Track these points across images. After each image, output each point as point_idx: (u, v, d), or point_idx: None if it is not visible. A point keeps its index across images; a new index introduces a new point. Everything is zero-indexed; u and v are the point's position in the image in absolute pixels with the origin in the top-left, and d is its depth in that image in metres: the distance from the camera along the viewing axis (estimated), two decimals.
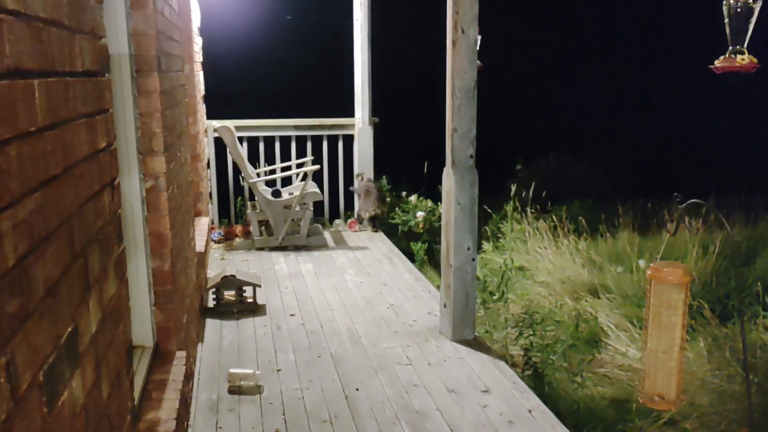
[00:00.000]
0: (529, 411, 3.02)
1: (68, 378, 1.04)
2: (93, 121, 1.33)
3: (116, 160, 1.55)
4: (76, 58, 1.21)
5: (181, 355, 2.72)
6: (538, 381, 3.70)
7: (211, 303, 4.33)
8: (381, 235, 6.21)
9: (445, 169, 3.73)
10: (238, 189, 6.40)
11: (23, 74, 0.91)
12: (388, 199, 6.49)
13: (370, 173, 6.41)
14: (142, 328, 2.64)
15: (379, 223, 6.32)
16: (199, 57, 5.68)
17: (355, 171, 6.46)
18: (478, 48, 3.59)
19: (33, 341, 0.89)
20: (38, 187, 0.96)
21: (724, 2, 2.49)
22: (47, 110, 1.02)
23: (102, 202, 1.37)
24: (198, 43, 5.68)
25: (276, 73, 10.24)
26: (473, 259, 3.74)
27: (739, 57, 2.41)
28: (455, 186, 3.64)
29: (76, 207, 1.16)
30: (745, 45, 2.42)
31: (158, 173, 2.66)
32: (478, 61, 3.62)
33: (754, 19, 2.46)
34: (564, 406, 3.52)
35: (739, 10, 2.44)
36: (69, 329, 1.07)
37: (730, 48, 2.43)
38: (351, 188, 6.46)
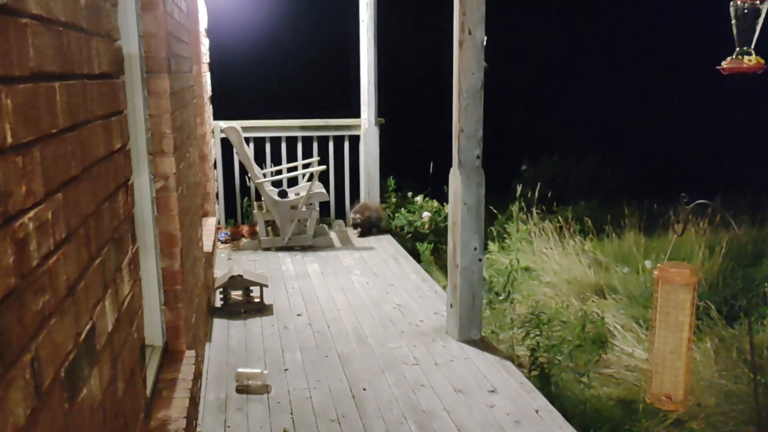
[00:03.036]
0: (536, 411, 3.03)
1: (87, 375, 1.06)
2: (109, 123, 1.35)
3: (130, 160, 1.57)
4: (93, 61, 1.23)
5: (190, 354, 2.75)
6: (544, 381, 3.71)
7: (218, 303, 4.36)
8: (387, 236, 6.22)
9: (451, 169, 3.74)
10: (245, 189, 6.42)
11: (45, 77, 0.93)
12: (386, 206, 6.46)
13: (376, 174, 6.42)
14: (152, 327, 2.66)
15: (375, 231, 6.23)
16: (206, 58, 5.71)
17: (361, 171, 6.46)
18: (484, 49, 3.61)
19: (55, 338, 0.91)
20: (59, 187, 0.98)
21: (731, 3, 2.49)
22: (67, 112, 1.04)
23: (117, 202, 1.39)
24: (205, 44, 5.71)
25: (282, 74, 10.27)
26: (480, 260, 3.75)
27: (746, 58, 2.42)
28: (462, 186, 3.65)
29: (93, 207, 1.17)
30: (753, 46, 2.42)
31: (168, 174, 2.69)
32: (485, 63, 3.63)
33: (761, 20, 2.46)
34: (571, 407, 3.52)
35: (746, 11, 2.45)
36: (87, 327, 1.09)
37: (738, 49, 2.43)
38: (352, 217, 6.28)
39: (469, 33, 3.53)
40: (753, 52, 2.42)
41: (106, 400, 1.19)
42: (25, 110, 0.85)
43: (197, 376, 2.89)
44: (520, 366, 3.82)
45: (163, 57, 2.63)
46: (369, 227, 6.15)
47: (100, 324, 1.17)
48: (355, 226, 6.21)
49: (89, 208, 1.15)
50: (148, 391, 2.33)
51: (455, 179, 3.71)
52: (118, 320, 1.31)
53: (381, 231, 6.20)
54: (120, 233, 1.40)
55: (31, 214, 0.84)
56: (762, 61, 2.42)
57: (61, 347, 0.93)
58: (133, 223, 1.56)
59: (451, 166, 3.75)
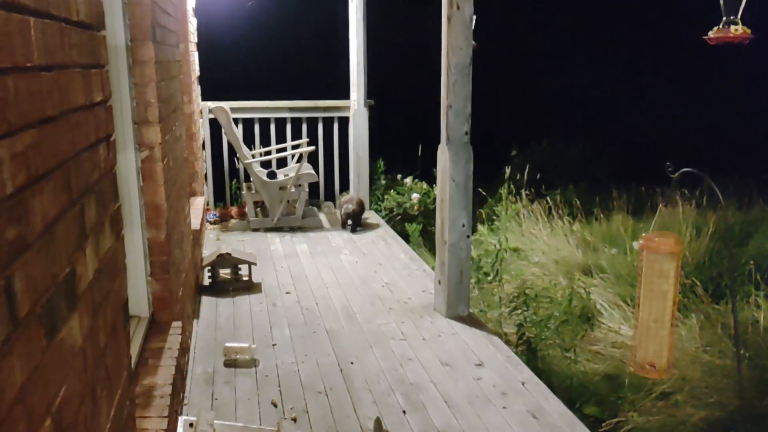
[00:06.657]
0: (523, 383, 3.05)
1: (66, 316, 1.06)
2: (89, 73, 1.33)
3: (111, 117, 1.55)
4: (71, 6, 1.21)
5: (176, 325, 2.74)
6: (531, 356, 3.73)
7: (206, 281, 4.35)
8: (376, 217, 6.22)
9: (440, 146, 3.74)
10: (234, 171, 6.40)
11: (18, 8, 0.92)
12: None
13: (365, 155, 6.40)
14: (138, 298, 2.65)
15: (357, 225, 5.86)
16: (194, 37, 5.66)
17: (350, 153, 6.43)
18: (473, 27, 3.59)
19: (31, 272, 0.90)
20: (35, 123, 0.97)
21: None
22: (43, 50, 1.02)
23: (98, 154, 1.37)
24: (193, 23, 5.66)
25: (271, 55, 10.20)
26: (468, 236, 3.76)
27: (732, 27, 2.42)
28: (450, 163, 3.65)
29: (72, 153, 1.16)
30: (739, 15, 2.42)
31: (153, 143, 2.67)
32: (474, 42, 3.62)
33: None
34: (557, 381, 3.55)
35: None
36: (67, 270, 1.08)
37: (724, 18, 2.44)
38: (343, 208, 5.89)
39: (458, 8, 3.52)
40: (740, 21, 2.43)
41: (87, 347, 1.18)
42: None
43: (184, 348, 2.89)
44: (507, 343, 3.84)
45: (148, 25, 2.60)
46: (356, 221, 5.92)
47: (79, 270, 1.16)
48: (343, 224, 5.88)
49: (68, 152, 1.13)
50: (134, 360, 2.32)
51: (443, 155, 3.70)
52: (98, 271, 1.30)
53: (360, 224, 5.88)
54: (101, 187, 1.38)
55: (4, 142, 0.83)
56: (748, 30, 2.42)
57: (38, 282, 0.93)
58: (115, 180, 1.54)
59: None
